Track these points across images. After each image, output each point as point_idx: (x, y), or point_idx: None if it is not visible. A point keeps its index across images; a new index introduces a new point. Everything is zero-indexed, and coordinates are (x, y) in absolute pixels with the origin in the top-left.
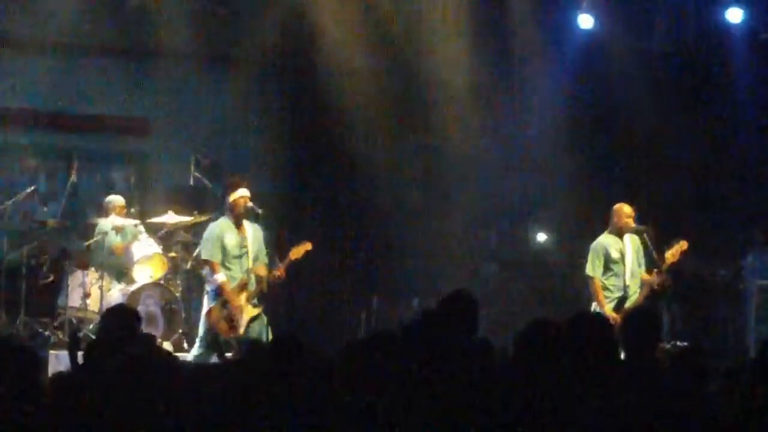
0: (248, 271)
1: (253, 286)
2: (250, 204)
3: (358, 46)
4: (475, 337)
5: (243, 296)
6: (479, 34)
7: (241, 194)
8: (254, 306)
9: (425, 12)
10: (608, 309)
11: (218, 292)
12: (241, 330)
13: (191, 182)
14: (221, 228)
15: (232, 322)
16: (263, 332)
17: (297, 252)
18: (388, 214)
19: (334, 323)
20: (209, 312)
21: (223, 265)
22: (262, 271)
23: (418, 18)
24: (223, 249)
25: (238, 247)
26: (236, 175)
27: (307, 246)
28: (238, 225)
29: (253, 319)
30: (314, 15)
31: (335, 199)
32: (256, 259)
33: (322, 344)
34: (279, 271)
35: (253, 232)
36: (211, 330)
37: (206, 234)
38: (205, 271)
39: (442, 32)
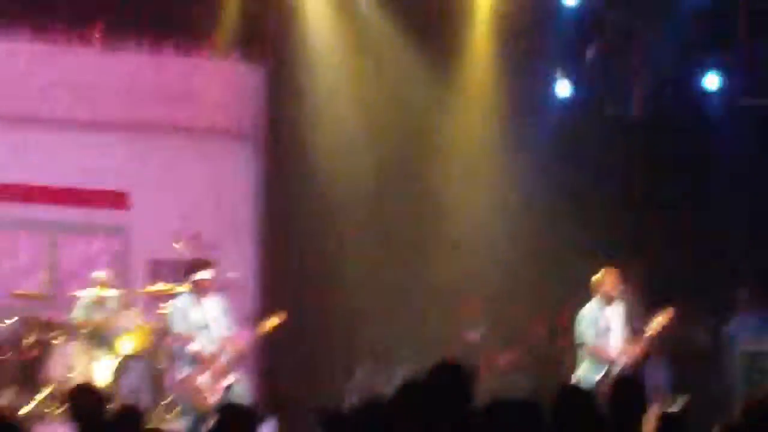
0: (217, 342)
1: (227, 356)
2: (209, 286)
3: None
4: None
5: (218, 365)
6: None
7: (204, 277)
8: (230, 374)
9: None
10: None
11: (192, 360)
12: (215, 398)
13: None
14: (184, 304)
15: (207, 391)
16: (246, 397)
17: (268, 324)
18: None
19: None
20: (184, 380)
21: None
22: (234, 341)
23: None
24: (189, 324)
25: (201, 321)
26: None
27: (277, 319)
28: (201, 300)
29: (229, 387)
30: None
31: (312, 265)
32: (224, 331)
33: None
34: (241, 344)
35: (214, 306)
36: (185, 398)
37: (172, 311)
38: (177, 345)
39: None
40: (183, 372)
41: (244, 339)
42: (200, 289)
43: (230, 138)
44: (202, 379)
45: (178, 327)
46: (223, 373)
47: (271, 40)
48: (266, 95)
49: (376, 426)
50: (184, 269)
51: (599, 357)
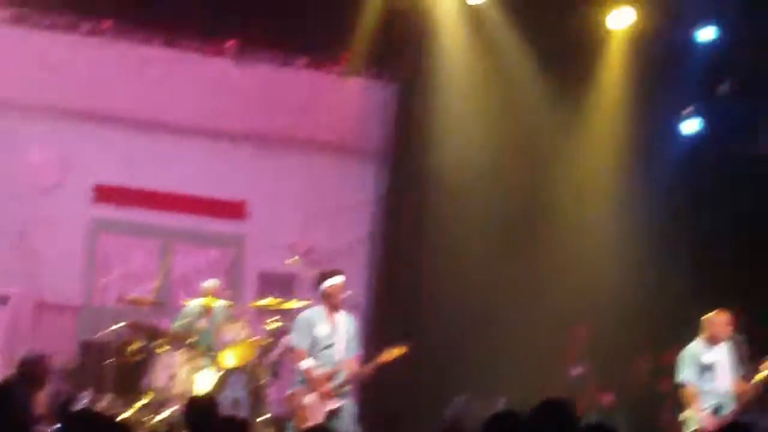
0: (336, 363)
1: (340, 379)
2: (343, 295)
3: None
4: None
5: (328, 387)
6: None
7: (335, 282)
8: (339, 398)
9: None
10: (703, 415)
11: (304, 379)
12: (317, 421)
13: (286, 267)
14: (312, 316)
15: (309, 411)
16: (351, 424)
17: (390, 354)
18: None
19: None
20: (291, 396)
21: (312, 354)
22: (352, 365)
23: None
24: (313, 338)
25: (328, 337)
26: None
27: (401, 350)
28: (331, 314)
29: (334, 412)
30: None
31: (423, 293)
32: (347, 351)
33: None
34: (367, 370)
35: (345, 323)
36: (288, 414)
37: (297, 321)
38: (293, 359)
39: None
40: (293, 387)
41: (363, 364)
42: (332, 300)
43: (353, 154)
44: (309, 399)
45: (296, 340)
46: (332, 396)
47: (405, 59)
48: (395, 114)
49: None
50: (314, 280)
51: (688, 399)
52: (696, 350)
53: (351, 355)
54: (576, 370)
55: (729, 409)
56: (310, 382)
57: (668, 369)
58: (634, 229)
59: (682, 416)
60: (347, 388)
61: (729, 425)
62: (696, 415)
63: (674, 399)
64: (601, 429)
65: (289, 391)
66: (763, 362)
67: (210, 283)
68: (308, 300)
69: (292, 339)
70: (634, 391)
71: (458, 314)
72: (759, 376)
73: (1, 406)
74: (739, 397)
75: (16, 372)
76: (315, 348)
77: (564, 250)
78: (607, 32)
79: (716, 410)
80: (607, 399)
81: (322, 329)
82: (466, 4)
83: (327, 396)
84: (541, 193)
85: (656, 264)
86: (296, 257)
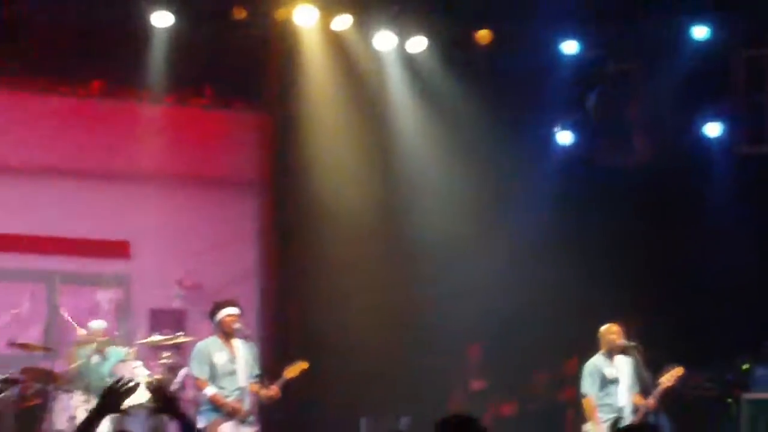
0: (242, 390)
1: (247, 405)
2: (237, 324)
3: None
4: None
5: (240, 410)
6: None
7: (229, 313)
8: (250, 424)
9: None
10: (602, 429)
11: (214, 407)
12: None
13: (175, 304)
14: (209, 346)
15: None
16: None
17: (292, 371)
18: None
19: None
20: (206, 428)
21: (214, 383)
22: (256, 389)
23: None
24: (213, 367)
25: (228, 364)
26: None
27: (303, 365)
28: (228, 343)
29: None
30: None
31: (313, 320)
32: (250, 377)
33: None
34: (273, 391)
35: (243, 349)
36: None
37: (194, 351)
38: (195, 389)
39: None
40: (205, 419)
41: (270, 388)
42: (226, 330)
43: (231, 186)
44: (226, 428)
45: (196, 370)
46: (245, 420)
47: (272, 88)
48: (269, 144)
49: None
50: (209, 312)
51: (589, 411)
52: (598, 363)
53: (253, 380)
54: (477, 384)
55: (627, 422)
56: (222, 407)
57: (569, 379)
58: (522, 247)
59: (584, 428)
60: (256, 411)
61: (638, 425)
62: (595, 427)
63: (576, 408)
64: None
65: (203, 424)
66: (667, 372)
67: (98, 324)
68: (196, 335)
69: (192, 369)
70: (535, 403)
71: (352, 338)
72: (663, 385)
73: None
74: (637, 410)
75: None
76: (216, 376)
77: (451, 272)
78: None
79: (614, 423)
80: (510, 410)
81: (220, 357)
82: (329, 29)
83: (241, 421)
84: (425, 216)
85: (546, 279)
86: (183, 292)
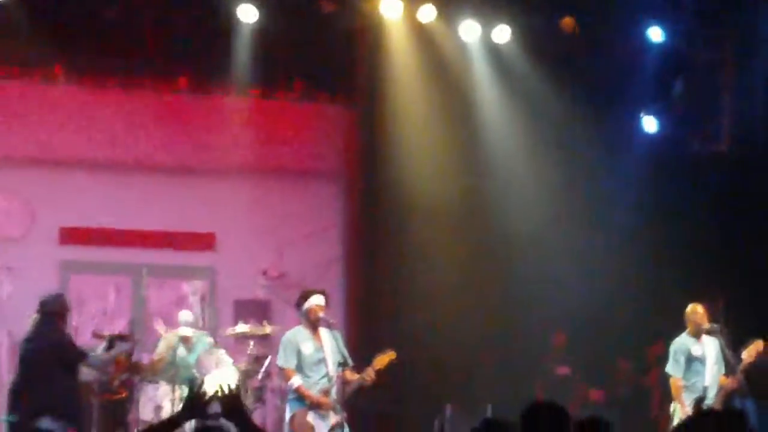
0: (330, 378)
1: (334, 395)
2: (322, 314)
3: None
4: None
5: (326, 402)
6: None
7: (315, 302)
8: (336, 413)
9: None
10: (687, 411)
11: (300, 397)
12: None
13: (259, 294)
14: (296, 336)
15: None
16: None
17: (381, 361)
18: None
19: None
20: (293, 417)
21: (301, 372)
22: (351, 376)
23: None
24: (300, 356)
25: (316, 353)
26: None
27: (392, 355)
28: (314, 332)
29: (334, 428)
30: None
31: (399, 310)
32: (340, 365)
33: None
34: (369, 376)
35: (330, 338)
36: None
37: (282, 341)
38: (282, 379)
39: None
40: (291, 408)
41: (366, 373)
42: (313, 319)
43: (317, 178)
44: (311, 417)
45: (283, 360)
46: (332, 410)
47: (359, 81)
48: (355, 136)
49: None
50: (295, 301)
51: (675, 391)
52: (685, 342)
53: (343, 369)
54: (562, 370)
55: (711, 402)
56: (307, 399)
57: (654, 362)
58: (608, 236)
59: (671, 407)
60: (342, 403)
61: (724, 411)
62: (681, 410)
63: (662, 391)
64: (595, 423)
65: (289, 414)
66: (746, 348)
67: (185, 315)
68: (280, 325)
69: (279, 359)
70: (621, 388)
71: (438, 327)
72: (745, 360)
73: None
74: (722, 389)
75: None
76: (304, 365)
77: (536, 262)
78: None
79: (698, 403)
80: (597, 396)
81: (307, 347)
82: (416, 21)
83: (326, 412)
84: (511, 207)
85: (630, 266)
86: (268, 283)
